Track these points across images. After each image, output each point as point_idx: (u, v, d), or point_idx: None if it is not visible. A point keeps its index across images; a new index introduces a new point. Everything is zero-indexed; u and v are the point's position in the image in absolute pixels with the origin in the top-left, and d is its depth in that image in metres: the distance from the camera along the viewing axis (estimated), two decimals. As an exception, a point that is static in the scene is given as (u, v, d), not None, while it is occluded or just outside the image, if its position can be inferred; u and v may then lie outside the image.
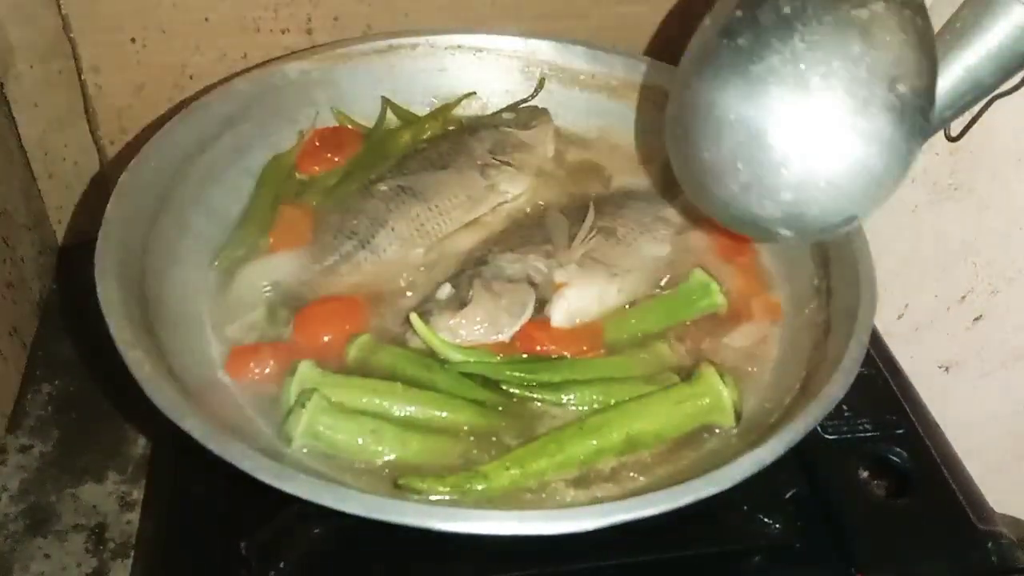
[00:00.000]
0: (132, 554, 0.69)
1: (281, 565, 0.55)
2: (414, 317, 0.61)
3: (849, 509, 0.60)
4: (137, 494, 0.73)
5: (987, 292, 0.81)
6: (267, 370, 0.60)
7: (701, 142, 0.54)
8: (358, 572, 0.57)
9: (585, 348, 0.63)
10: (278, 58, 0.77)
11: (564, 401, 0.60)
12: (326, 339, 0.62)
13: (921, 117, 0.51)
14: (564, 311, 0.64)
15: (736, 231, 0.61)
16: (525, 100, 0.82)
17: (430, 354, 0.61)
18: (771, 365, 0.64)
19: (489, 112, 0.82)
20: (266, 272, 0.67)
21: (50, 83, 0.83)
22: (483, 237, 0.71)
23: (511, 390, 0.60)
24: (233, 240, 0.69)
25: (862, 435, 0.64)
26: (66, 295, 0.89)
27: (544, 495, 0.55)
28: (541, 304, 0.64)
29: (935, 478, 0.62)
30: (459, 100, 0.81)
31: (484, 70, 0.81)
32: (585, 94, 0.81)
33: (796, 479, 0.61)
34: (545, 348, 0.63)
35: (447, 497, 0.53)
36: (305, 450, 0.56)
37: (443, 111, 0.81)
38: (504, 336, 0.62)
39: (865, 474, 0.63)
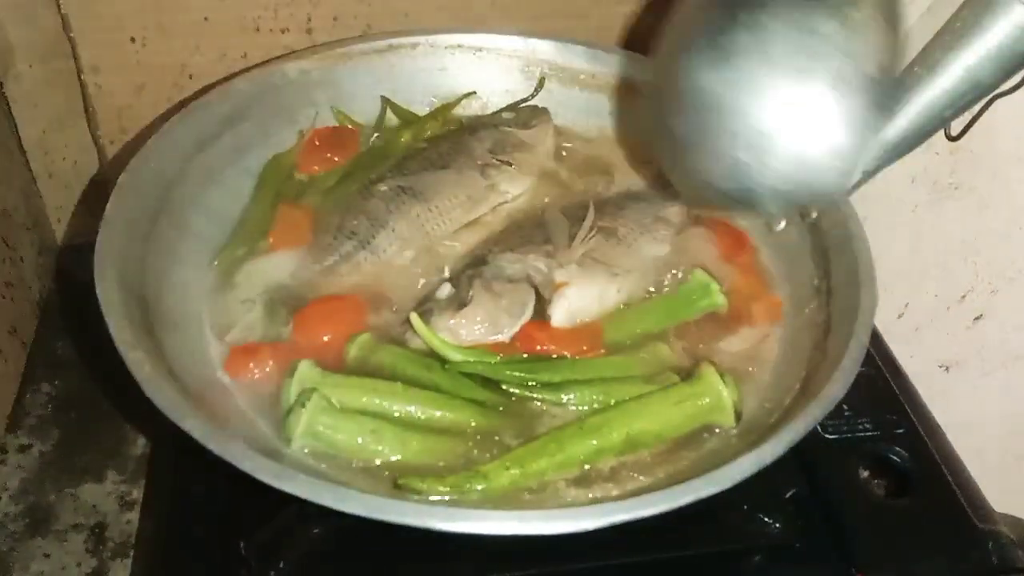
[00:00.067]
0: (132, 554, 0.69)
1: (281, 565, 0.55)
2: (414, 317, 0.61)
3: (849, 509, 0.60)
4: (137, 494, 0.73)
5: (987, 292, 0.81)
6: (267, 370, 0.60)
7: (671, 113, 0.55)
8: (358, 572, 0.57)
9: (585, 348, 0.63)
10: (278, 58, 0.77)
11: (564, 401, 0.60)
12: (326, 339, 0.62)
13: (883, 93, 0.52)
14: (564, 311, 0.64)
15: (703, 202, 0.62)
16: (525, 100, 0.82)
17: (430, 354, 0.61)
18: (771, 365, 0.64)
19: (489, 112, 0.82)
20: (266, 272, 0.67)
21: (50, 83, 0.84)
22: (483, 237, 0.71)
23: (511, 390, 0.60)
24: (233, 240, 0.69)
25: (862, 435, 0.64)
26: (66, 295, 0.89)
27: (544, 495, 0.55)
28: (541, 304, 0.64)
29: (935, 478, 0.62)
30: (459, 100, 0.81)
31: (484, 70, 0.81)
32: (585, 94, 0.81)
33: (796, 479, 0.61)
34: (545, 348, 0.63)
35: (447, 497, 0.53)
36: (305, 450, 0.56)
37: (443, 111, 0.81)
38: (504, 336, 0.62)
39: (865, 474, 0.63)
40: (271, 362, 0.60)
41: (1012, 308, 0.80)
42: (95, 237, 0.58)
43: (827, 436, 0.64)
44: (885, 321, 0.75)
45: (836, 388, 0.54)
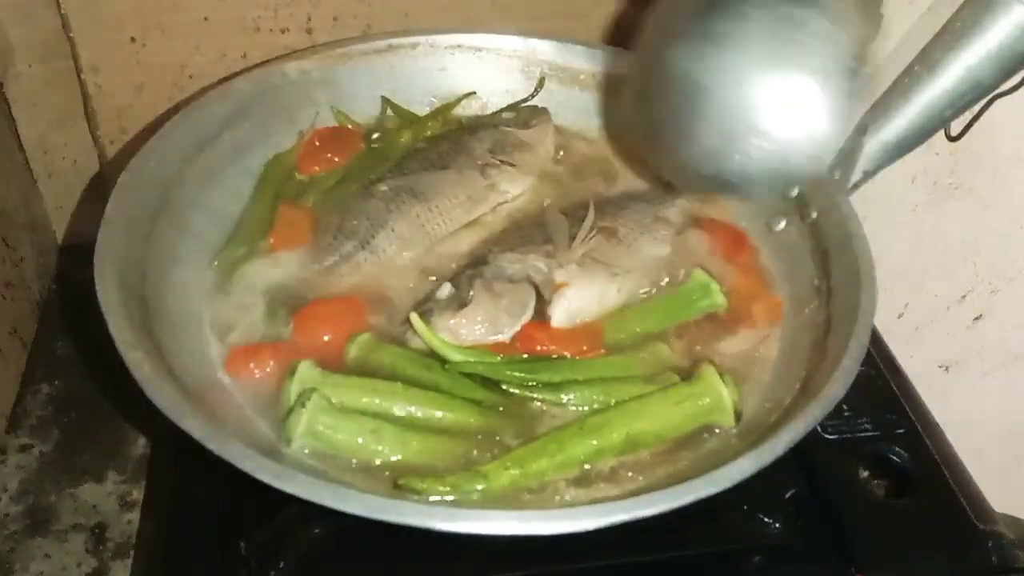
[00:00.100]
0: (132, 554, 0.69)
1: (281, 565, 0.55)
2: (414, 317, 0.61)
3: (849, 509, 0.60)
4: (137, 494, 0.73)
5: (987, 292, 0.81)
6: (267, 370, 0.60)
7: (653, 98, 0.56)
8: (358, 572, 0.57)
9: (585, 348, 0.63)
10: (278, 58, 0.77)
11: (564, 401, 0.60)
12: (326, 339, 0.62)
13: (861, 83, 0.53)
14: (564, 311, 0.64)
15: (683, 185, 0.64)
16: (525, 100, 0.82)
17: (430, 354, 0.61)
18: (771, 365, 0.64)
19: (489, 112, 0.82)
20: (266, 272, 0.67)
21: (50, 83, 0.84)
22: (483, 237, 0.71)
23: (511, 390, 0.60)
24: (233, 240, 0.69)
25: (862, 435, 0.64)
26: (66, 295, 0.89)
27: (544, 495, 0.55)
28: (541, 304, 0.64)
29: (935, 478, 0.62)
30: (459, 100, 0.81)
31: (484, 70, 0.81)
32: (585, 94, 0.81)
33: (796, 479, 0.61)
34: (545, 348, 0.63)
35: (447, 497, 0.53)
36: (305, 450, 0.56)
37: (443, 111, 0.81)
38: (504, 336, 0.62)
39: (865, 474, 0.63)
40: (271, 362, 0.60)
41: (1012, 308, 0.80)
42: (95, 237, 0.58)
43: (827, 436, 0.64)
44: (885, 321, 0.75)
45: (836, 388, 0.54)
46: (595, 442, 0.57)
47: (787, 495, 0.60)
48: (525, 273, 0.65)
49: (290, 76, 0.75)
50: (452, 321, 0.62)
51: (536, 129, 0.78)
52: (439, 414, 0.58)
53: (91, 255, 0.56)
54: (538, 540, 0.47)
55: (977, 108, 0.62)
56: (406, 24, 0.84)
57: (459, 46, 0.80)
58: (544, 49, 0.81)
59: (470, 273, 0.65)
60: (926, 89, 0.60)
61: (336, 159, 0.76)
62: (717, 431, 0.59)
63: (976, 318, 0.82)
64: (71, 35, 0.79)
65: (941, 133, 0.64)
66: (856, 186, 0.66)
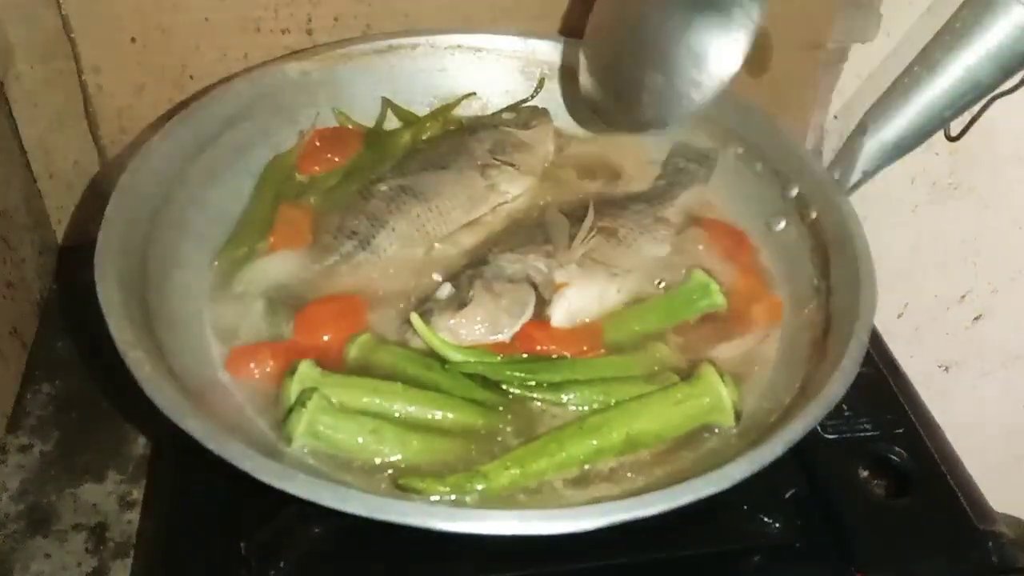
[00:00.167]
0: (132, 554, 0.69)
1: (281, 565, 0.55)
2: (414, 317, 0.61)
3: (849, 509, 0.60)
4: (137, 494, 0.72)
5: (987, 292, 0.81)
6: (267, 370, 0.60)
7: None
8: (358, 572, 0.57)
9: (585, 348, 0.63)
10: (278, 58, 0.77)
11: (564, 401, 0.60)
12: (326, 339, 0.62)
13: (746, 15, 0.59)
14: (564, 311, 0.64)
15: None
16: (525, 100, 0.82)
17: (430, 354, 0.61)
18: (771, 365, 0.64)
19: (489, 112, 0.82)
20: (266, 272, 0.67)
21: (50, 83, 0.83)
22: (483, 237, 0.71)
23: (511, 390, 0.60)
24: (233, 240, 0.69)
25: (862, 435, 0.64)
26: (66, 295, 0.89)
27: (544, 495, 0.55)
28: (541, 304, 0.64)
29: (935, 478, 0.62)
30: (459, 100, 0.81)
31: (484, 70, 0.81)
32: (585, 94, 0.81)
33: (796, 479, 0.61)
34: (545, 348, 0.63)
35: (447, 497, 0.53)
36: (305, 450, 0.56)
37: (443, 111, 0.81)
38: (504, 336, 0.62)
39: (865, 474, 0.63)
40: (271, 362, 0.60)
41: (1012, 308, 0.80)
42: (96, 237, 0.58)
43: (827, 436, 0.64)
44: (885, 321, 0.75)
45: (836, 388, 0.54)
46: (595, 442, 0.57)
47: (787, 495, 0.60)
48: (525, 273, 0.65)
49: (291, 76, 0.75)
50: (452, 321, 0.62)
51: (536, 130, 0.78)
52: (439, 414, 0.58)
53: (91, 255, 0.56)
54: (538, 540, 0.47)
55: (977, 108, 0.62)
56: (406, 24, 0.84)
57: (459, 46, 0.80)
58: (544, 49, 0.81)
59: (470, 273, 0.65)
60: (926, 89, 0.60)
61: (336, 159, 0.76)
62: (717, 431, 0.59)
63: (976, 318, 0.83)
64: (72, 35, 0.79)
65: (941, 133, 0.64)
66: (856, 186, 0.66)
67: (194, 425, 0.48)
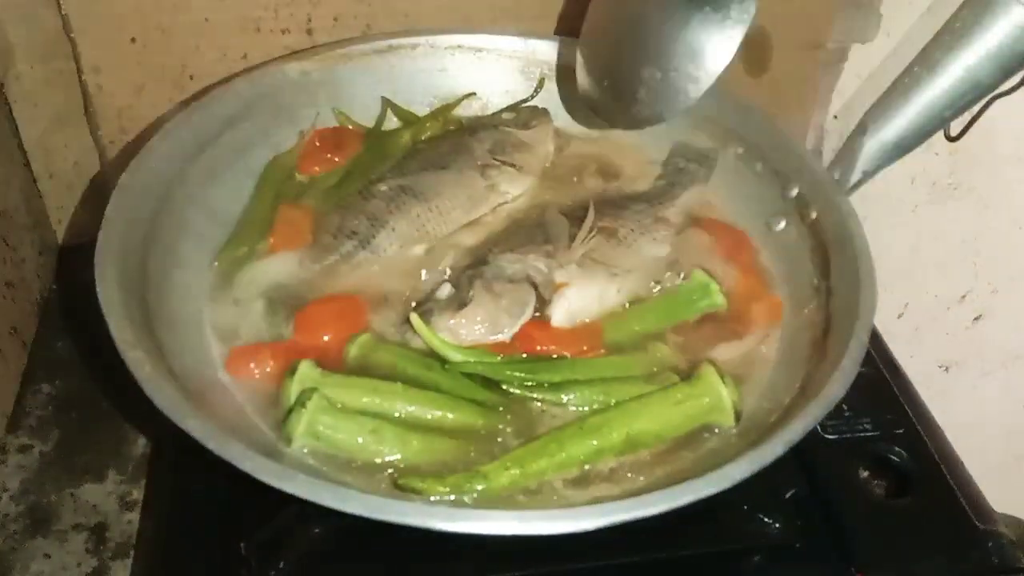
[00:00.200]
0: (132, 554, 0.69)
1: (281, 565, 0.55)
2: (414, 317, 0.61)
3: (849, 509, 0.60)
4: (137, 494, 0.72)
5: (987, 292, 0.81)
6: (267, 370, 0.60)
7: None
8: (358, 572, 0.57)
9: (585, 348, 0.63)
10: (278, 58, 0.77)
11: (564, 401, 0.60)
12: (326, 339, 0.62)
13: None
14: (564, 311, 0.64)
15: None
16: (525, 100, 0.82)
17: (430, 354, 0.61)
18: (771, 365, 0.64)
19: (489, 112, 0.82)
20: (266, 272, 0.67)
21: (50, 83, 0.83)
22: (483, 237, 0.71)
23: (511, 390, 0.60)
24: (233, 240, 0.69)
25: (862, 435, 0.64)
26: (66, 295, 0.89)
27: (544, 495, 0.55)
28: (541, 304, 0.64)
29: (935, 478, 0.62)
30: (459, 100, 0.81)
31: (484, 70, 0.81)
32: (585, 94, 0.81)
33: (796, 479, 0.61)
34: (545, 348, 0.63)
35: (447, 497, 0.53)
36: (305, 450, 0.56)
37: (443, 111, 0.81)
38: (504, 336, 0.62)
39: (865, 474, 0.63)
40: (271, 362, 0.60)
41: (1012, 308, 0.80)
42: (96, 237, 0.58)
43: (827, 436, 0.64)
44: (885, 321, 0.75)
45: (836, 388, 0.54)
46: (595, 442, 0.57)
47: (787, 495, 0.60)
48: (525, 273, 0.65)
49: (291, 76, 0.75)
50: (452, 321, 0.62)
51: (536, 130, 0.78)
52: (439, 414, 0.58)
53: (92, 255, 0.56)
54: (538, 540, 0.47)
55: (976, 108, 0.62)
56: (406, 24, 0.84)
57: (459, 47, 0.80)
58: (544, 49, 0.81)
59: (470, 273, 0.65)
60: (926, 89, 0.60)
61: (336, 159, 0.76)
62: (717, 431, 0.59)
63: (976, 318, 0.83)
64: (72, 35, 0.79)
65: (941, 133, 0.64)
66: (856, 186, 0.66)
67: (194, 425, 0.48)
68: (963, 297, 0.83)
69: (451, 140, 0.77)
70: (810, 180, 0.69)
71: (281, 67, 0.75)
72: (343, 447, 0.56)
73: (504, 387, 0.60)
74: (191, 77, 0.83)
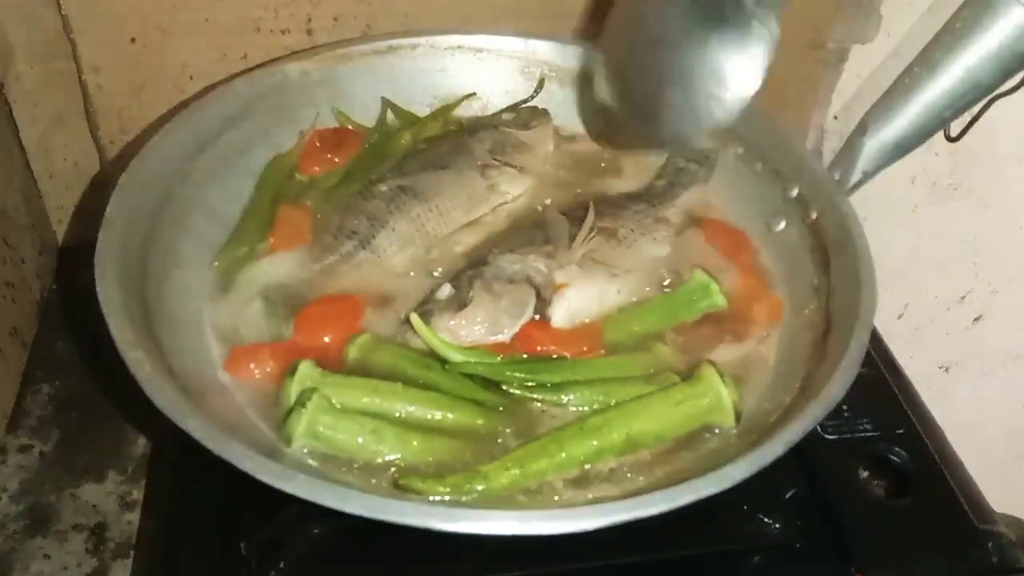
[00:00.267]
0: (132, 554, 0.69)
1: (281, 565, 0.55)
2: (414, 317, 0.61)
3: (849, 509, 0.60)
4: (137, 494, 0.73)
5: (987, 292, 0.81)
6: (267, 370, 0.60)
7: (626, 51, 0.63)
8: (358, 572, 0.57)
9: (585, 348, 0.63)
10: (278, 58, 0.77)
11: (564, 401, 0.60)
12: (326, 339, 0.62)
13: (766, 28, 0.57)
14: (564, 311, 0.64)
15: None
16: (525, 100, 0.82)
17: (430, 354, 0.61)
18: (771, 365, 0.64)
19: (489, 112, 0.82)
20: (266, 272, 0.67)
21: (50, 83, 0.84)
22: (483, 237, 0.71)
23: (511, 390, 0.60)
24: (233, 240, 0.69)
25: (862, 435, 0.64)
26: (66, 295, 0.89)
27: (544, 495, 0.55)
28: (541, 305, 0.64)
29: (935, 478, 0.62)
30: (459, 101, 0.81)
31: (484, 70, 0.81)
32: (585, 95, 0.81)
33: (796, 479, 0.61)
34: (545, 348, 0.63)
35: (447, 497, 0.53)
36: (305, 450, 0.56)
37: (443, 111, 0.81)
38: (504, 336, 0.62)
39: (865, 474, 0.63)
40: (271, 362, 0.60)
41: (1012, 308, 0.80)
42: (96, 237, 0.58)
43: (827, 436, 0.64)
44: (885, 321, 0.75)
45: (836, 388, 0.54)
46: (595, 442, 0.57)
47: (787, 495, 0.60)
48: (525, 274, 0.65)
49: (291, 77, 0.75)
50: (452, 321, 0.62)
51: (536, 130, 0.78)
52: (439, 414, 0.58)
53: (92, 255, 0.56)
54: (538, 540, 0.47)
55: (977, 109, 0.62)
56: (406, 25, 0.84)
57: (459, 47, 0.80)
58: (544, 50, 0.81)
59: (470, 274, 0.65)
60: (926, 89, 0.61)
61: (336, 159, 0.76)
62: (717, 431, 0.59)
63: (976, 318, 0.83)
64: (72, 35, 0.79)
65: (941, 133, 0.64)
66: (856, 186, 0.66)
67: (194, 425, 0.48)
68: (963, 297, 0.83)
69: (451, 140, 0.77)
70: (810, 180, 0.69)
71: (281, 67, 0.75)
72: (343, 447, 0.56)
73: (504, 387, 0.60)
74: (191, 77, 0.83)
